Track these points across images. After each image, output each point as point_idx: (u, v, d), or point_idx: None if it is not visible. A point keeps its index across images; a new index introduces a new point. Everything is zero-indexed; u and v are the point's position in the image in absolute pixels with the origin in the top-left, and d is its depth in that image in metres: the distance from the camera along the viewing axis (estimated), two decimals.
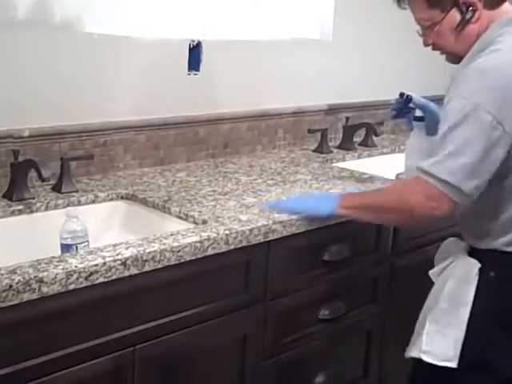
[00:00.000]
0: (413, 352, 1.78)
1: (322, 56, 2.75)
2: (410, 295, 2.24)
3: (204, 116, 2.40)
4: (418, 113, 2.01)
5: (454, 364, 1.70)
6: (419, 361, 1.76)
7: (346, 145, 2.75)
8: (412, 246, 2.25)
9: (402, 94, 2.02)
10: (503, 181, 1.64)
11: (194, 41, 2.25)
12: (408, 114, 2.04)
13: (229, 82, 2.45)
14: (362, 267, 2.09)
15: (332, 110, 2.84)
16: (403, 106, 2.03)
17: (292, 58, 2.65)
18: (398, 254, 2.20)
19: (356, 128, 2.79)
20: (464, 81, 1.63)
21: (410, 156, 1.93)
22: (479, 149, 1.56)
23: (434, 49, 1.79)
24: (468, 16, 1.67)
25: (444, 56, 1.80)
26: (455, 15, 1.68)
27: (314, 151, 2.64)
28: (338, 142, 2.77)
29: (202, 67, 2.29)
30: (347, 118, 2.79)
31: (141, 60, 2.17)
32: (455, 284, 1.72)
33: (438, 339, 1.73)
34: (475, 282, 1.69)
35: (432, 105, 1.93)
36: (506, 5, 1.70)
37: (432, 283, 1.83)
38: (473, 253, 1.75)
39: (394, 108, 2.07)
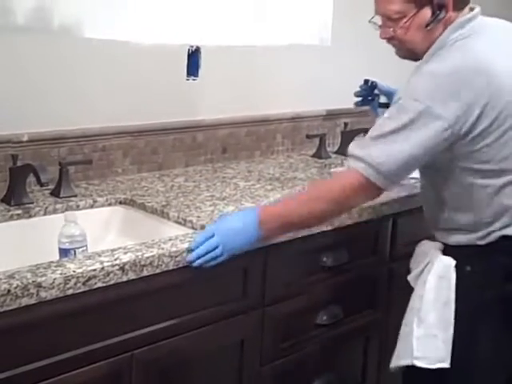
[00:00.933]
0: (403, 360, 1.78)
1: (321, 61, 2.75)
2: (407, 300, 2.24)
3: (202, 121, 2.40)
4: (383, 99, 2.05)
5: (446, 364, 1.71)
6: (410, 368, 1.77)
7: (345, 150, 2.71)
8: (410, 251, 2.23)
9: (366, 81, 2.06)
10: (471, 178, 1.67)
11: (192, 46, 2.26)
12: (372, 101, 2.07)
13: (227, 87, 2.45)
14: (359, 272, 2.09)
15: (330, 115, 2.85)
16: (368, 93, 2.07)
17: (290, 64, 2.66)
18: (396, 259, 2.20)
19: (354, 133, 2.78)
20: (418, 83, 1.66)
21: None
22: (420, 150, 1.61)
23: (389, 42, 1.78)
24: (441, 16, 1.67)
25: (396, 52, 1.82)
26: (427, 13, 1.68)
27: (312, 156, 2.65)
28: (336, 148, 2.77)
29: (200, 73, 2.30)
30: (345, 124, 2.79)
31: (140, 65, 2.18)
32: (435, 285, 1.73)
33: (429, 342, 1.73)
34: (453, 280, 1.71)
35: (395, 90, 1.96)
36: (466, 11, 1.72)
37: None
38: (447, 250, 1.77)
39: (359, 94, 2.10)
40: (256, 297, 1.79)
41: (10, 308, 1.30)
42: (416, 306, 1.78)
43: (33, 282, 1.33)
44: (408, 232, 2.23)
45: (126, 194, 1.99)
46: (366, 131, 2.73)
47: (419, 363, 1.74)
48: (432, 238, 1.85)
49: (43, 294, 1.34)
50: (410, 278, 1.86)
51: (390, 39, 1.77)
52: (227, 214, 1.78)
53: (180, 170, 2.31)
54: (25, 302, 1.32)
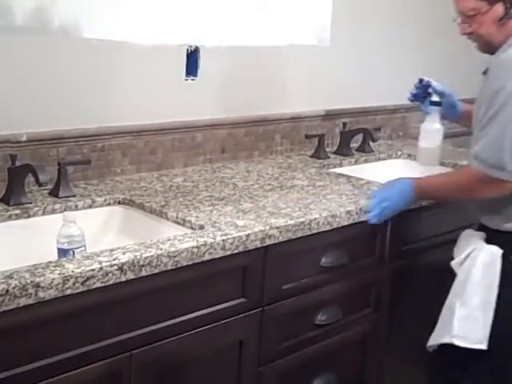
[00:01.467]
0: (443, 339, 1.91)
1: (320, 62, 2.75)
2: (407, 300, 2.25)
3: (201, 121, 2.40)
4: (435, 98, 2.21)
5: (484, 346, 1.85)
6: (444, 347, 1.91)
7: (343, 150, 2.75)
8: (409, 252, 2.25)
9: (421, 80, 2.24)
10: None
11: (191, 46, 2.26)
12: (424, 98, 2.25)
13: (226, 87, 2.45)
14: (359, 272, 2.09)
15: (329, 115, 2.85)
16: (422, 92, 2.24)
17: (289, 64, 2.66)
18: (394, 259, 2.20)
19: (353, 133, 2.79)
20: (502, 69, 1.82)
21: (424, 139, 2.22)
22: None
23: (469, 38, 1.95)
24: (511, 12, 1.84)
25: (476, 47, 1.97)
26: (499, 9, 1.85)
27: (311, 157, 2.65)
28: (335, 148, 2.77)
29: (199, 73, 2.30)
30: (344, 124, 2.80)
31: (139, 65, 2.18)
32: (481, 271, 1.87)
33: (469, 323, 1.87)
34: (499, 267, 1.86)
35: (449, 91, 2.19)
36: None
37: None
38: (491, 239, 1.90)
39: (413, 92, 2.28)
40: (255, 297, 1.79)
41: (9, 308, 1.30)
42: (459, 290, 1.91)
43: (31, 282, 1.33)
44: (407, 232, 2.23)
45: (125, 194, 1.99)
46: (364, 131, 2.76)
47: (458, 342, 1.88)
48: (474, 227, 1.99)
49: (41, 294, 1.34)
50: (453, 264, 1.97)
51: (468, 35, 1.94)
52: (390, 182, 2.07)
53: (179, 170, 2.31)
54: (23, 302, 1.32)
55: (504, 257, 1.87)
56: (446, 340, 1.90)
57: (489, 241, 1.91)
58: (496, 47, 1.90)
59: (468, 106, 2.19)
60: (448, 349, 1.93)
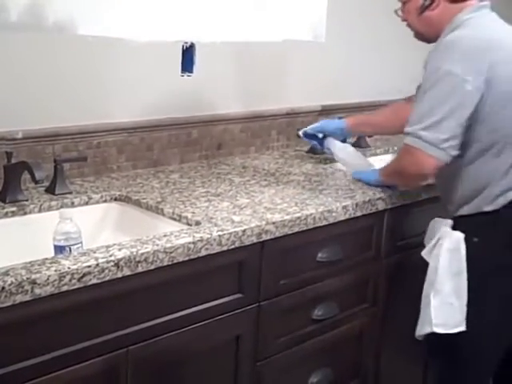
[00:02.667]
0: (424, 329, 1.96)
1: (315, 57, 2.75)
2: (403, 295, 2.26)
3: (197, 117, 2.40)
4: (320, 135, 2.42)
5: (463, 327, 1.90)
6: (431, 335, 1.95)
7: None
8: (405, 247, 2.25)
9: (298, 136, 2.48)
10: (470, 148, 1.88)
11: (187, 42, 2.26)
12: (315, 139, 2.44)
13: (222, 83, 2.45)
14: (355, 267, 2.09)
15: (325, 110, 2.85)
16: (313, 138, 2.44)
17: (285, 60, 2.66)
18: (391, 254, 2.21)
19: None
20: (436, 52, 1.90)
21: (349, 163, 2.33)
22: (447, 107, 1.82)
23: (407, 25, 2.07)
24: (426, 3, 1.97)
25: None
26: (419, 1, 1.98)
27: (307, 152, 2.64)
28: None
29: (195, 69, 2.30)
30: (340, 119, 2.79)
31: (134, 62, 2.17)
32: (447, 257, 1.91)
33: (445, 310, 1.91)
34: (463, 251, 1.89)
35: (324, 123, 2.42)
36: (470, 2, 1.95)
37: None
38: (456, 225, 1.94)
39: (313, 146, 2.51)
40: (251, 292, 1.79)
41: (5, 305, 1.30)
42: (432, 279, 1.95)
43: (27, 278, 1.33)
44: (403, 227, 2.24)
45: (121, 190, 1.99)
46: None
47: (438, 330, 1.92)
48: (443, 215, 2.02)
49: (38, 291, 1.34)
50: (423, 253, 2.01)
51: (405, 22, 2.07)
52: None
53: (175, 167, 2.31)
54: (19, 298, 1.32)
55: (467, 240, 1.90)
56: (427, 329, 1.95)
57: (454, 227, 1.95)
58: (427, 38, 2.02)
59: (351, 120, 2.43)
60: (431, 337, 1.98)
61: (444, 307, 1.91)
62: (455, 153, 1.86)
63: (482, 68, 1.82)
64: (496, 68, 1.83)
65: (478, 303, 1.89)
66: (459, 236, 1.91)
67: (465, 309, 1.89)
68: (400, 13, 2.06)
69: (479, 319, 1.91)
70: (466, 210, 1.94)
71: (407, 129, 1.90)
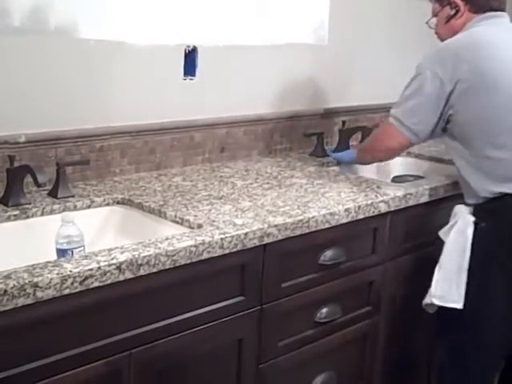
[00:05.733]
0: (426, 299, 2.10)
1: (318, 60, 2.76)
2: (405, 298, 2.25)
3: (200, 120, 2.40)
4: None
5: (459, 305, 2.02)
6: (440, 310, 2.08)
7: (343, 148, 2.74)
8: (408, 249, 2.25)
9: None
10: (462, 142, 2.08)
11: (189, 46, 2.27)
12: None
13: (225, 86, 2.45)
14: (358, 270, 2.09)
15: (328, 113, 2.85)
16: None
17: (288, 63, 2.66)
18: (393, 256, 2.21)
19: (352, 131, 2.79)
20: (428, 56, 2.14)
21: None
22: (419, 99, 2.09)
23: (436, 33, 2.29)
24: (452, 13, 2.19)
25: None
26: (447, 10, 2.21)
27: (310, 155, 2.65)
28: (334, 146, 2.77)
29: (197, 72, 2.31)
30: (343, 122, 2.79)
31: (136, 65, 2.18)
32: (455, 237, 2.06)
33: (445, 284, 2.05)
34: (470, 233, 2.03)
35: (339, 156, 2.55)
36: (491, 13, 2.15)
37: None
38: (474, 213, 2.07)
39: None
40: (254, 295, 1.79)
41: (7, 308, 1.31)
42: (441, 256, 2.09)
43: (29, 282, 1.33)
44: (407, 229, 2.23)
45: (124, 193, 2.00)
46: (363, 129, 2.77)
47: (436, 301, 2.06)
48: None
49: (40, 294, 1.34)
50: (440, 232, 2.13)
51: (436, 34, 2.29)
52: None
53: (178, 170, 2.31)
54: (21, 302, 1.32)
55: (475, 224, 2.04)
56: (427, 300, 2.09)
57: (473, 213, 2.08)
58: None
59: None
60: (440, 316, 2.11)
61: (444, 281, 2.05)
62: (424, 136, 2.14)
63: (458, 69, 2.03)
64: (478, 65, 2.02)
65: (481, 286, 2.02)
66: (469, 219, 2.05)
67: (463, 287, 2.02)
68: (432, 25, 2.27)
69: (482, 300, 2.03)
70: (477, 199, 2.08)
71: (390, 111, 2.19)
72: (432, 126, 2.10)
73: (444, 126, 2.11)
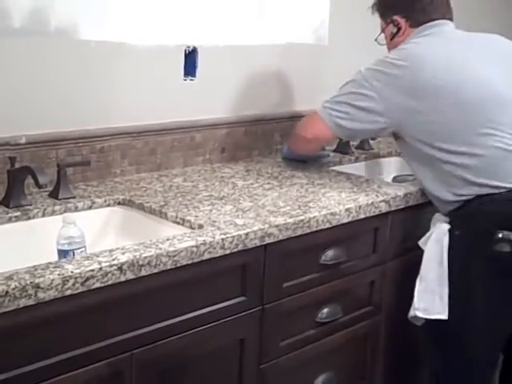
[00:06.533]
0: (410, 312, 2.06)
1: (318, 60, 2.76)
2: (406, 298, 2.25)
3: (201, 121, 2.40)
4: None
5: (444, 316, 1.99)
6: (427, 323, 2.04)
7: (343, 148, 2.75)
8: (409, 249, 2.25)
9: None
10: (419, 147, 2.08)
11: (189, 46, 2.27)
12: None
13: (225, 86, 2.46)
14: (359, 270, 2.09)
15: None
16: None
17: (288, 63, 2.66)
18: (394, 256, 2.21)
19: None
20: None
21: None
22: (349, 97, 2.13)
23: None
24: (394, 30, 2.24)
25: None
26: (390, 28, 2.25)
27: None
28: (334, 146, 2.77)
29: (197, 72, 2.31)
30: None
31: (137, 66, 2.18)
32: (432, 247, 2.03)
33: (427, 296, 2.01)
34: (446, 242, 2.00)
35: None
36: (427, 24, 2.17)
37: None
38: (449, 220, 2.05)
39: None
40: (255, 296, 1.79)
41: (9, 309, 1.31)
42: (421, 266, 2.07)
43: (31, 283, 1.33)
44: (407, 228, 2.23)
45: (125, 194, 2.00)
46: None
47: (420, 314, 2.03)
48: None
49: (41, 295, 1.35)
50: (420, 242, 2.11)
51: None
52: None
53: (178, 170, 2.32)
54: (23, 303, 1.32)
55: (450, 232, 2.01)
56: (411, 314, 2.05)
57: (449, 221, 2.06)
58: None
59: None
60: (427, 326, 2.07)
61: (426, 293, 2.02)
62: (342, 134, 2.21)
63: (390, 81, 2.06)
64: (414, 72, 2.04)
65: (462, 294, 1.99)
66: (444, 228, 2.02)
67: (446, 298, 1.98)
68: (381, 41, 2.31)
69: (464, 309, 1.99)
70: (450, 207, 2.06)
71: (324, 103, 2.21)
72: (359, 124, 2.12)
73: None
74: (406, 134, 2.10)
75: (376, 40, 2.32)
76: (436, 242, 2.02)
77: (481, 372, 2.09)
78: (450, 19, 2.20)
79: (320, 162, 2.54)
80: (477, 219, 1.98)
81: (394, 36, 2.24)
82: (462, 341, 2.03)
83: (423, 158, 2.08)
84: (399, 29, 2.22)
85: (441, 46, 2.11)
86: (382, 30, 2.30)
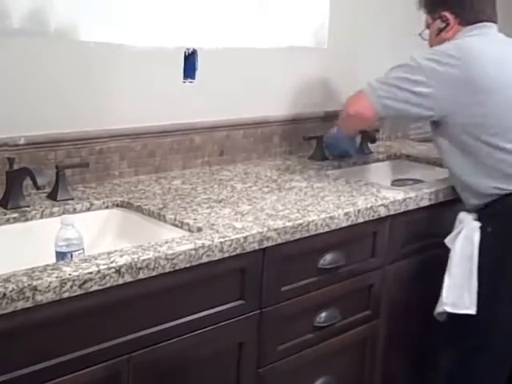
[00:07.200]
0: (438, 308, 2.12)
1: (318, 63, 2.76)
2: (405, 302, 2.25)
3: (200, 123, 2.40)
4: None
5: (472, 311, 2.04)
6: (450, 318, 2.10)
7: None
8: (407, 253, 2.25)
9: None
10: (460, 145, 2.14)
11: (189, 49, 2.27)
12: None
13: (224, 89, 2.45)
14: (357, 274, 2.09)
15: (328, 117, 2.84)
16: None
17: (288, 66, 2.66)
18: (393, 260, 2.20)
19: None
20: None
21: None
22: (400, 80, 2.16)
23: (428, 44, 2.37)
24: (442, 26, 2.28)
25: None
26: (438, 24, 2.30)
27: (309, 158, 2.64)
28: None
29: (197, 75, 2.31)
30: None
31: (136, 68, 2.18)
32: (462, 243, 2.08)
33: (456, 291, 2.06)
34: (477, 239, 2.06)
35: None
36: (478, 24, 2.23)
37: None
38: (478, 219, 2.10)
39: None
40: (253, 299, 1.78)
41: (6, 312, 1.30)
42: (449, 263, 2.11)
43: (28, 285, 1.32)
44: (406, 232, 2.23)
45: (123, 196, 1.99)
46: (363, 133, 2.77)
47: (448, 309, 2.08)
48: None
49: (39, 298, 1.34)
50: (446, 240, 2.15)
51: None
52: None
53: (177, 173, 2.31)
54: (20, 305, 1.32)
55: (481, 229, 2.07)
56: (439, 309, 2.10)
57: (478, 219, 2.11)
58: None
59: None
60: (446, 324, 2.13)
61: (455, 288, 2.06)
62: (386, 114, 2.23)
63: (443, 70, 2.10)
64: (463, 68, 2.09)
65: (490, 291, 2.04)
66: (475, 225, 2.08)
67: (475, 293, 2.03)
68: (425, 36, 2.35)
69: (492, 305, 2.05)
70: (480, 203, 2.12)
71: (371, 82, 2.22)
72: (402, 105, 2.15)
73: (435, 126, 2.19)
74: (453, 124, 2.13)
75: (420, 35, 2.37)
76: (466, 239, 2.08)
77: (496, 372, 2.13)
78: (495, 22, 2.27)
79: (348, 155, 2.67)
80: (509, 217, 2.06)
81: (440, 31, 2.28)
82: (487, 337, 2.08)
83: (466, 149, 2.12)
84: (447, 25, 2.26)
85: (491, 46, 2.19)
86: (428, 26, 2.34)
